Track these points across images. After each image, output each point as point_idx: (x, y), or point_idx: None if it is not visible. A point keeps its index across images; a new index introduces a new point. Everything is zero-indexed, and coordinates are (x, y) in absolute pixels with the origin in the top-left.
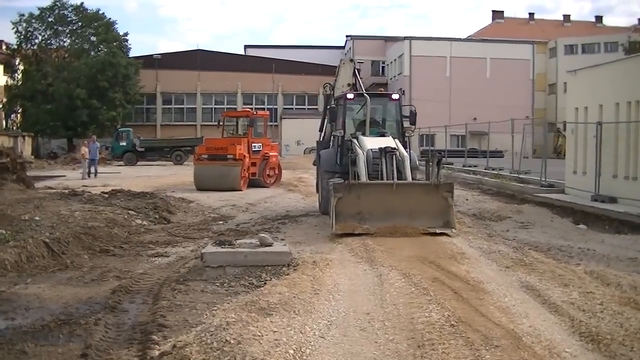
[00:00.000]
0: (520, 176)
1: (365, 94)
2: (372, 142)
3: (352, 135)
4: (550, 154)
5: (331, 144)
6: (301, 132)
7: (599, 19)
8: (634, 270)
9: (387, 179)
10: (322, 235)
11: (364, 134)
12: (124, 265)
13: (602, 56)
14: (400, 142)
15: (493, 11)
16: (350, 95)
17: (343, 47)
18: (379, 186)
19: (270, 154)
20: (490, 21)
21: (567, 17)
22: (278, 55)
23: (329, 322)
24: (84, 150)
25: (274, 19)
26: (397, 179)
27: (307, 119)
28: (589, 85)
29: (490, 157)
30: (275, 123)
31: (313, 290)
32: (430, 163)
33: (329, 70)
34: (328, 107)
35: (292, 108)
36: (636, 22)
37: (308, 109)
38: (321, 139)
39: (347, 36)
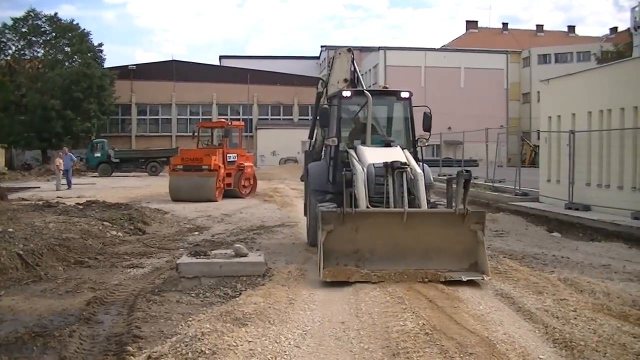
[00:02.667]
0: (495, 185)
1: (366, 92)
2: (375, 155)
3: (348, 145)
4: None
5: (323, 154)
6: (276, 143)
7: (571, 29)
8: (607, 277)
9: (395, 205)
10: (297, 246)
11: (364, 143)
12: (99, 277)
13: (575, 65)
14: (411, 154)
15: (467, 21)
16: (346, 93)
17: (318, 58)
18: (384, 216)
19: (246, 164)
20: (464, 31)
21: (540, 27)
22: (253, 65)
23: (304, 331)
24: (59, 161)
25: (250, 29)
26: (409, 205)
27: (282, 130)
28: (561, 94)
29: (465, 166)
30: (251, 133)
31: (288, 300)
32: (454, 184)
33: (305, 81)
34: (319, 109)
35: (268, 119)
36: (608, 32)
37: (283, 119)
38: (310, 148)
39: (322, 46)
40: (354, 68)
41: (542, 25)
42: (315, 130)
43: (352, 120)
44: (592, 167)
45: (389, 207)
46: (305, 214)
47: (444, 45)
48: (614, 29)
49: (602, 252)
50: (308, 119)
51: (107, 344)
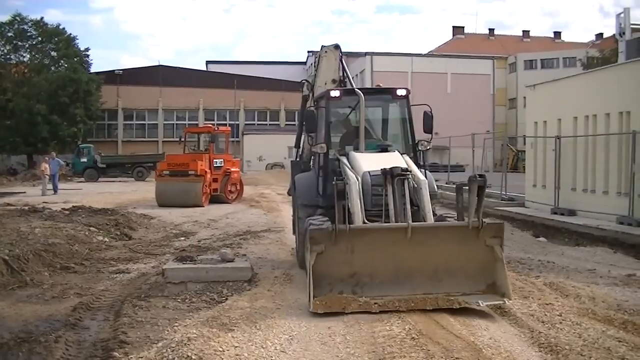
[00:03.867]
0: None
1: (357, 91)
2: (371, 161)
3: (339, 152)
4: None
5: (312, 164)
6: (263, 148)
7: (557, 34)
8: (592, 281)
9: (396, 219)
10: (283, 251)
11: (357, 149)
12: (85, 282)
13: (561, 71)
14: (411, 159)
15: (453, 27)
16: (335, 93)
17: (305, 63)
18: (384, 232)
19: (232, 169)
20: (450, 37)
21: (526, 33)
22: (240, 71)
23: (290, 336)
24: (44, 166)
25: (237, 34)
26: (412, 219)
27: (269, 135)
28: (547, 100)
29: (451, 171)
30: (237, 139)
31: (274, 305)
32: (466, 192)
33: (291, 86)
34: (304, 111)
35: (254, 124)
36: (594, 38)
37: (270, 124)
38: (297, 158)
39: (308, 52)
40: (343, 67)
41: (529, 31)
42: (303, 138)
43: (342, 124)
44: (578, 172)
45: (388, 222)
46: (294, 232)
47: (430, 51)
48: (599, 35)
49: (588, 256)
50: (295, 124)
51: (94, 350)
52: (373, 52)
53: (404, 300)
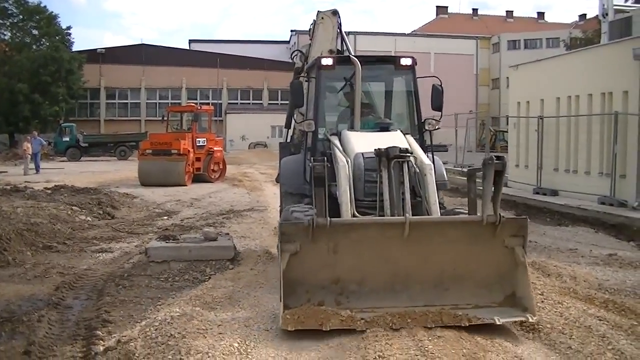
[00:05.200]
0: (464, 170)
1: (353, 58)
2: (366, 142)
3: (331, 132)
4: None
5: (302, 147)
6: (246, 127)
7: (541, 15)
8: (574, 261)
9: (393, 212)
10: (266, 230)
11: (352, 128)
12: (68, 262)
13: (544, 51)
14: (417, 141)
15: (437, 7)
16: (327, 61)
17: (288, 42)
18: (375, 227)
19: (215, 149)
20: (434, 17)
21: (509, 13)
22: (223, 50)
23: (273, 315)
24: (26, 145)
25: (220, 13)
26: (413, 212)
27: (252, 114)
28: (530, 80)
29: (434, 151)
30: (220, 118)
31: (257, 284)
32: (480, 177)
33: (275, 66)
34: (290, 83)
35: (237, 103)
36: (577, 18)
37: (253, 104)
38: (287, 140)
39: (292, 31)
40: (342, 36)
41: (512, 12)
42: (294, 117)
43: (338, 99)
44: (560, 152)
45: (383, 216)
46: None
47: (414, 31)
48: (582, 16)
49: (569, 236)
50: (278, 104)
51: (77, 329)
52: (356, 32)
53: (399, 314)
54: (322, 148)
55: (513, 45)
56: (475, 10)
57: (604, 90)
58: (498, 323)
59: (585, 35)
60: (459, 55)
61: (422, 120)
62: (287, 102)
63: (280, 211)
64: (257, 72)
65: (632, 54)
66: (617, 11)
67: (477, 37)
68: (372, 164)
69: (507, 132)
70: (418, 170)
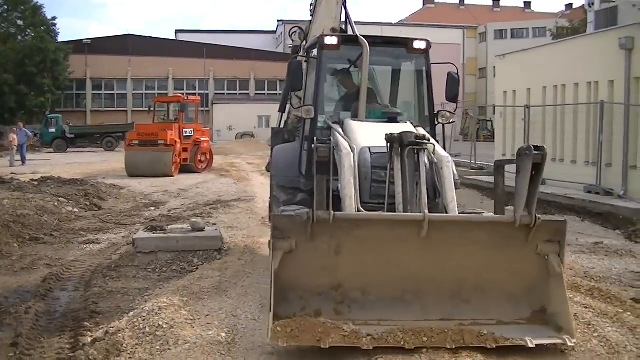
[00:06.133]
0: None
1: (361, 38)
2: (373, 134)
3: (332, 120)
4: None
5: (297, 135)
6: (233, 118)
7: (527, 4)
8: None
9: (407, 208)
10: (253, 220)
11: (356, 117)
12: (55, 253)
13: (531, 41)
14: (429, 133)
15: None
16: (330, 40)
17: (275, 32)
18: (386, 225)
19: (202, 139)
20: (421, 6)
21: (496, 3)
22: (210, 40)
23: (261, 304)
24: (12, 137)
25: (207, 3)
26: (429, 210)
27: (238, 104)
28: (517, 70)
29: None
30: (207, 108)
31: (245, 274)
32: (516, 170)
33: (262, 56)
34: (288, 62)
35: (224, 93)
36: (563, 8)
37: (240, 94)
38: (280, 125)
39: (278, 21)
40: (347, 14)
41: (499, 1)
42: (291, 101)
43: (340, 84)
44: (547, 141)
45: (396, 212)
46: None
47: (401, 20)
48: (569, 6)
49: None
50: (265, 94)
51: (64, 320)
52: (342, 21)
53: (413, 330)
54: (322, 137)
55: (500, 34)
56: (462, 0)
57: (590, 79)
58: (531, 346)
59: (571, 24)
60: (445, 45)
61: (436, 112)
62: (274, 92)
63: (271, 204)
64: (244, 62)
65: (618, 44)
66: (602, 1)
67: (464, 26)
68: (381, 161)
69: (490, 121)
70: (436, 162)
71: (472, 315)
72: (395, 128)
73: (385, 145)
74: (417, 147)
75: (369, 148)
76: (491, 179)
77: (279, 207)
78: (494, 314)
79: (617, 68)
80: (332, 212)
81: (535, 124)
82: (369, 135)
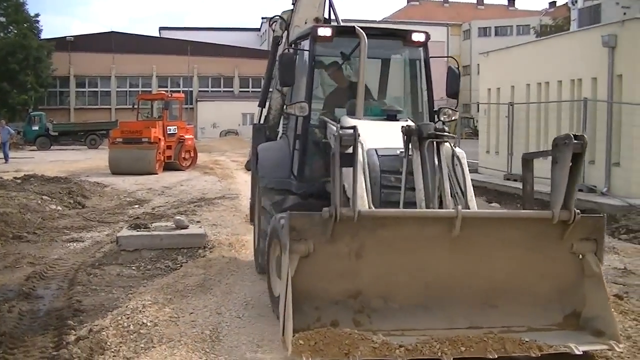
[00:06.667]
0: None
1: (358, 29)
2: (374, 133)
3: (323, 116)
4: None
5: (281, 131)
6: (217, 115)
7: (511, 2)
8: None
9: (429, 206)
10: (237, 217)
11: (352, 114)
12: (38, 251)
13: (515, 38)
14: None
15: None
16: (324, 31)
17: (259, 29)
18: (417, 222)
19: (186, 136)
20: (405, 4)
21: (480, 1)
22: (193, 37)
23: (245, 302)
24: None
25: (191, 1)
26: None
27: (222, 102)
28: (501, 67)
29: None
30: (191, 106)
31: (229, 271)
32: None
33: (246, 53)
34: (279, 55)
35: (208, 91)
36: (547, 6)
37: (224, 91)
38: (260, 120)
39: (262, 18)
40: (331, 4)
41: None
42: (270, 95)
43: (329, 78)
44: (530, 138)
45: (428, 207)
46: (251, 221)
47: (385, 18)
48: (552, 3)
49: None
50: (249, 91)
51: (48, 319)
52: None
53: (449, 340)
54: (314, 136)
55: (484, 32)
56: None
57: (574, 77)
58: (577, 353)
59: (555, 22)
60: (429, 43)
61: (436, 109)
62: (258, 89)
63: (252, 205)
64: (228, 59)
65: (601, 41)
66: None
67: (448, 24)
68: (390, 164)
69: (472, 118)
70: (458, 155)
71: (501, 322)
72: (398, 127)
73: (393, 146)
74: (437, 140)
75: (376, 150)
76: (475, 175)
77: (271, 213)
78: (524, 320)
79: (600, 65)
80: (357, 209)
81: (519, 121)
82: (373, 135)
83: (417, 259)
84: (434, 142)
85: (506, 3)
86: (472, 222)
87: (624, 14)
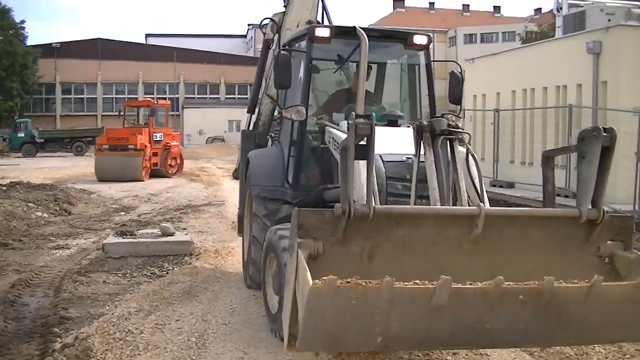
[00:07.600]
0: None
1: (359, 30)
2: (378, 139)
3: (318, 121)
4: None
5: (271, 138)
6: (203, 122)
7: (497, 9)
8: None
9: (442, 204)
10: (224, 224)
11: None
12: (24, 259)
13: (500, 45)
14: None
15: (394, 0)
16: (322, 32)
17: (245, 36)
18: (436, 220)
19: (172, 143)
20: (391, 10)
21: (466, 7)
22: (180, 44)
23: (231, 309)
24: None
25: (177, 7)
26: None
27: (209, 109)
28: (486, 74)
29: None
30: (177, 112)
31: (215, 279)
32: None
33: (232, 60)
34: (274, 56)
35: (194, 97)
36: (532, 12)
37: (210, 98)
38: (248, 126)
39: (249, 25)
40: (324, 6)
41: (468, 5)
42: (260, 100)
43: (325, 82)
44: (516, 145)
45: (448, 205)
46: (240, 232)
47: (370, 24)
48: (538, 10)
49: None
50: (235, 98)
51: (34, 326)
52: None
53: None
54: (311, 142)
55: (469, 39)
56: (432, 4)
57: (559, 83)
58: None
59: (540, 29)
60: None
61: (439, 115)
62: (244, 96)
63: (240, 217)
64: (214, 66)
65: (586, 48)
66: (571, 5)
67: (433, 30)
68: (397, 171)
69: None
70: (473, 153)
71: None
72: (400, 133)
73: (398, 153)
74: (451, 137)
75: (380, 156)
76: None
77: (266, 223)
78: None
79: (585, 72)
80: (373, 205)
81: (505, 127)
82: (376, 140)
83: (433, 263)
84: (448, 139)
85: (492, 10)
86: (496, 221)
87: (609, 20)
